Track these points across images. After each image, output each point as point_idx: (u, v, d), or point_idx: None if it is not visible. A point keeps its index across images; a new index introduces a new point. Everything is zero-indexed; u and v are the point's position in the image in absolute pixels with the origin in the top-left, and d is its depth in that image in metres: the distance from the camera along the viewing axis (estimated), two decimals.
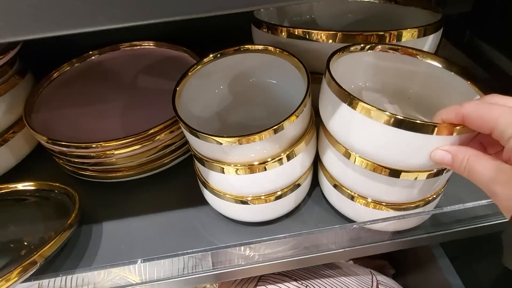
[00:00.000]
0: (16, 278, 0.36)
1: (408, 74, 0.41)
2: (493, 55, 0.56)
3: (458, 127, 0.30)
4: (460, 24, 0.60)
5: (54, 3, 0.18)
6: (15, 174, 0.52)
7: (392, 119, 0.31)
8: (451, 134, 0.31)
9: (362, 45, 0.39)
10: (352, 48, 0.39)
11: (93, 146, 0.44)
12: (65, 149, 0.45)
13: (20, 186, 0.47)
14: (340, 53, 0.38)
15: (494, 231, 0.43)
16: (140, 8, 0.20)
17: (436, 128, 0.30)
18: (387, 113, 0.31)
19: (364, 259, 0.71)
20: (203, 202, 0.45)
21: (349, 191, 0.40)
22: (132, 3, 0.20)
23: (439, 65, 0.38)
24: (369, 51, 0.39)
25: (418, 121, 0.30)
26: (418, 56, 0.39)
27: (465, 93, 0.36)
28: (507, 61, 0.53)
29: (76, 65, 0.59)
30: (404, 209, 0.40)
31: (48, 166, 0.53)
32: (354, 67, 0.41)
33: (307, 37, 0.43)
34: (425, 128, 0.30)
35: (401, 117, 0.31)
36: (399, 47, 0.39)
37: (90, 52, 0.60)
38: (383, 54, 0.40)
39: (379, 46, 0.39)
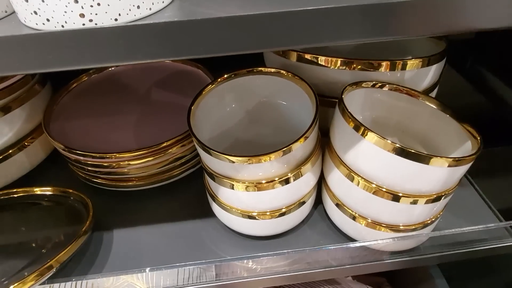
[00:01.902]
0: (32, 282, 0.38)
1: (410, 112, 0.45)
2: (493, 82, 0.58)
3: (450, 159, 0.33)
4: (463, 51, 0.63)
5: (104, 43, 0.21)
6: (29, 179, 0.54)
7: (396, 148, 0.34)
8: (444, 166, 0.33)
9: (373, 82, 0.42)
10: (363, 84, 0.42)
11: (107, 156, 0.47)
12: (80, 157, 0.48)
13: (38, 190, 0.50)
14: (353, 86, 0.41)
15: (490, 255, 0.45)
16: (168, 47, 0.23)
17: (431, 159, 0.33)
18: (392, 143, 0.34)
19: (363, 276, 0.73)
20: (211, 214, 0.47)
21: (350, 211, 0.43)
22: (161, 44, 0.22)
23: (436, 107, 0.41)
24: (378, 88, 0.42)
25: (416, 152, 0.34)
26: (419, 98, 0.42)
27: (456, 133, 0.40)
28: (506, 88, 0.56)
29: (93, 76, 0.62)
30: (403, 231, 0.42)
31: (61, 172, 0.56)
32: (363, 99, 0.44)
33: (316, 61, 0.45)
34: (422, 159, 0.34)
35: (404, 147, 0.34)
36: (404, 88, 0.42)
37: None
38: (390, 93, 0.43)
39: (387, 85, 0.42)
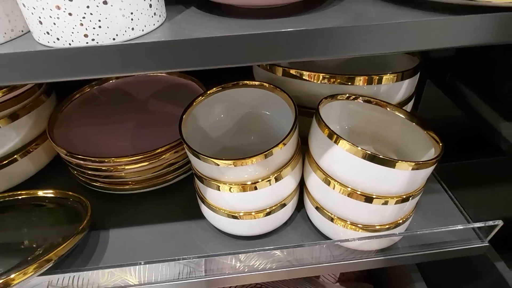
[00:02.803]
0: (32, 273, 0.42)
1: (383, 122, 0.49)
2: (470, 96, 0.63)
3: (413, 163, 0.37)
4: (443, 67, 0.68)
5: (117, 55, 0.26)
6: (33, 182, 0.59)
7: (365, 154, 0.38)
8: (408, 169, 0.38)
9: (347, 95, 0.47)
10: (339, 97, 0.47)
11: (105, 160, 0.51)
12: (81, 161, 0.52)
13: (41, 192, 0.54)
14: (329, 99, 0.46)
15: (461, 256, 0.49)
16: (156, 62, 0.28)
17: (396, 163, 0.37)
18: (361, 149, 0.38)
19: (350, 282, 0.76)
20: (201, 216, 0.51)
21: (329, 213, 0.47)
22: (151, 59, 0.27)
23: (403, 116, 0.46)
24: (353, 100, 0.47)
25: (383, 157, 0.38)
26: (388, 108, 0.47)
27: (422, 140, 0.45)
28: (481, 103, 0.60)
29: (95, 87, 0.67)
30: (378, 231, 0.46)
31: (62, 176, 0.60)
32: (340, 111, 0.49)
33: (300, 76, 0.50)
34: (389, 163, 0.38)
35: (372, 153, 0.38)
36: (374, 99, 0.47)
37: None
38: (363, 104, 0.48)
39: (360, 98, 0.47)
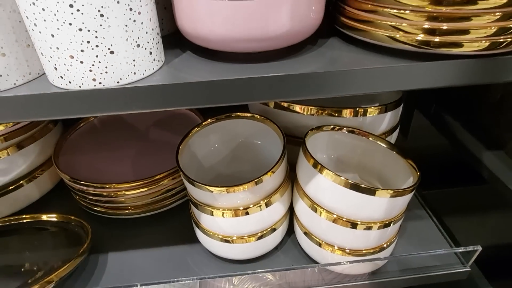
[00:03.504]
0: None
1: (367, 151, 0.53)
2: (454, 126, 0.67)
3: (391, 191, 0.41)
4: (429, 98, 0.72)
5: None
6: (36, 206, 0.62)
7: (347, 183, 0.42)
8: (387, 196, 0.41)
9: (332, 126, 0.51)
10: (324, 128, 0.51)
11: (107, 186, 0.55)
12: (84, 187, 0.56)
13: (44, 216, 0.58)
14: (315, 130, 0.50)
15: (445, 281, 0.52)
16: (154, 102, 0.32)
17: (376, 191, 0.41)
18: (343, 178, 0.42)
19: None
20: (196, 240, 0.55)
21: (317, 239, 0.50)
22: (150, 100, 0.32)
23: (385, 146, 0.50)
24: (338, 131, 0.51)
25: (364, 186, 0.42)
26: (370, 138, 0.51)
27: (402, 168, 0.49)
28: (465, 132, 0.64)
29: (99, 116, 0.72)
30: (364, 255, 0.49)
31: (65, 201, 0.64)
32: (326, 141, 0.53)
33: (290, 108, 0.55)
34: (369, 191, 0.42)
35: (353, 182, 0.42)
36: (358, 130, 0.52)
37: None
38: (347, 134, 0.52)
39: (344, 128, 0.51)
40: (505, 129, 0.59)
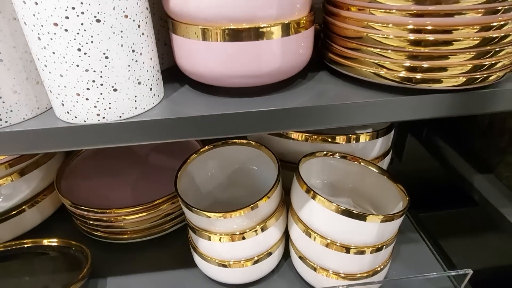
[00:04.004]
0: None
1: (359, 176, 0.55)
2: (445, 150, 0.69)
3: (381, 216, 0.43)
4: (420, 122, 0.75)
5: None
6: (37, 230, 0.64)
7: (339, 209, 0.44)
8: (377, 221, 0.43)
9: (325, 152, 0.54)
10: (317, 154, 0.53)
11: (107, 211, 0.57)
12: (84, 212, 0.58)
13: (45, 241, 0.59)
14: (308, 156, 0.53)
15: None
16: (154, 134, 0.35)
17: (367, 217, 0.43)
18: (335, 204, 0.44)
19: None
20: (193, 265, 0.56)
21: (312, 263, 0.51)
22: (150, 132, 0.34)
23: (376, 171, 0.52)
24: (330, 156, 0.54)
25: (354, 211, 0.44)
26: (361, 163, 0.53)
27: (393, 193, 0.51)
28: (456, 156, 0.67)
29: None
30: (358, 278, 0.50)
31: (66, 225, 0.66)
32: (320, 166, 0.55)
33: (285, 135, 0.57)
34: (360, 216, 0.43)
35: (344, 208, 0.44)
36: (349, 155, 0.54)
37: None
38: (339, 159, 0.55)
39: (336, 154, 0.54)
40: (494, 153, 0.61)
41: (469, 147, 0.66)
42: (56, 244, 0.59)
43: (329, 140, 0.55)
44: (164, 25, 0.43)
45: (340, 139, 0.55)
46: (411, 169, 0.79)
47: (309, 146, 0.56)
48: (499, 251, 0.58)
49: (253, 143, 0.55)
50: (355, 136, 0.56)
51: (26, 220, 0.63)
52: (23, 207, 0.61)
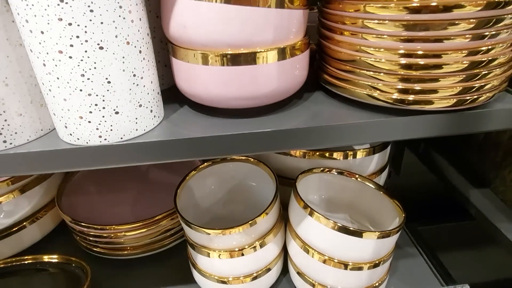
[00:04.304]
0: None
1: (356, 191, 0.56)
2: (442, 164, 0.70)
3: (377, 233, 0.44)
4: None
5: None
6: (37, 246, 0.64)
7: (336, 226, 0.45)
8: (374, 238, 0.44)
9: (321, 168, 0.55)
10: (314, 170, 0.54)
11: (107, 228, 0.58)
12: (84, 229, 0.59)
13: (46, 258, 0.60)
14: (306, 173, 0.54)
15: None
16: (154, 155, 0.36)
17: (363, 234, 0.44)
18: (331, 221, 0.45)
19: None
20: (192, 281, 0.56)
21: (310, 279, 0.52)
22: (150, 153, 0.35)
23: (372, 186, 0.53)
24: (327, 172, 0.55)
25: (352, 228, 0.44)
26: (358, 179, 0.54)
27: (389, 208, 0.52)
28: (452, 170, 0.68)
29: None
30: None
31: (65, 241, 0.66)
32: (317, 182, 0.56)
33: (283, 151, 0.58)
34: (357, 233, 0.44)
35: (340, 225, 0.45)
36: (346, 171, 0.55)
37: None
38: (336, 175, 0.56)
39: (333, 170, 0.55)
40: (490, 168, 0.62)
41: (465, 161, 0.68)
42: (56, 260, 0.60)
43: (327, 156, 0.56)
44: (164, 47, 0.45)
45: (337, 155, 0.57)
46: (409, 183, 0.80)
47: (307, 162, 0.57)
48: (497, 265, 0.59)
49: (252, 159, 0.56)
50: (352, 152, 0.57)
51: (27, 237, 0.63)
52: (24, 223, 0.62)
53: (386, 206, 0.52)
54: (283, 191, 0.55)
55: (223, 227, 0.47)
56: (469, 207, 0.61)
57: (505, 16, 0.33)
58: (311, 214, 0.47)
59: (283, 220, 0.54)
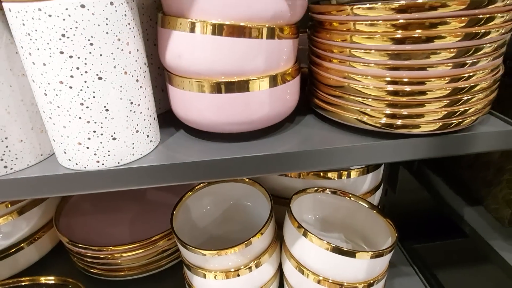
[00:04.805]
0: None
1: (350, 211, 0.58)
2: (436, 182, 0.71)
3: (370, 253, 0.45)
4: None
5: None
6: (34, 267, 0.65)
7: (329, 247, 0.46)
8: (367, 258, 0.45)
9: (315, 188, 0.56)
10: (308, 190, 0.56)
11: (104, 249, 0.58)
12: (81, 250, 0.59)
13: (43, 279, 0.60)
14: (300, 193, 0.55)
15: None
16: (150, 179, 0.37)
17: (356, 254, 0.45)
18: (325, 241, 0.46)
19: None
20: None
21: None
22: (146, 177, 0.37)
23: (365, 205, 0.54)
24: (320, 192, 0.56)
25: (344, 248, 0.45)
26: (351, 198, 0.55)
27: (382, 227, 0.53)
28: (446, 188, 0.69)
29: None
30: None
31: (63, 262, 0.67)
32: (312, 202, 0.58)
33: None
34: (350, 254, 0.45)
35: (334, 245, 0.46)
36: (339, 191, 0.56)
37: None
38: (330, 195, 0.57)
39: (327, 190, 0.56)
40: (482, 185, 0.64)
41: (458, 179, 0.69)
42: (53, 281, 0.60)
43: (321, 175, 0.58)
44: (161, 73, 0.47)
45: (331, 175, 0.58)
46: (405, 200, 0.81)
47: (302, 182, 0.59)
48: (493, 283, 0.59)
49: (247, 180, 0.57)
50: (346, 172, 0.58)
51: (24, 258, 0.64)
52: (22, 244, 0.63)
53: (379, 225, 0.53)
54: (279, 210, 0.57)
55: (219, 248, 0.48)
56: (463, 225, 0.62)
57: (484, 45, 0.34)
58: (305, 234, 0.48)
59: (279, 240, 0.55)
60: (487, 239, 0.58)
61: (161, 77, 0.47)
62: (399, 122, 0.38)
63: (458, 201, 0.66)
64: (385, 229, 0.52)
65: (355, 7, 0.34)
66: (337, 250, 0.46)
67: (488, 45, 0.35)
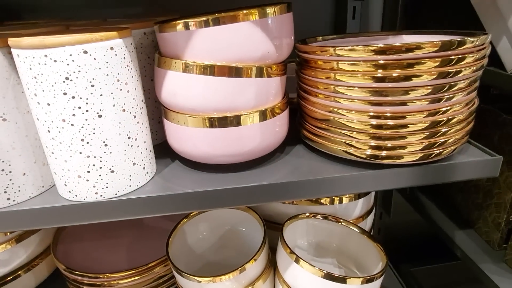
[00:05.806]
0: None
1: (343, 236, 0.59)
2: (427, 204, 0.73)
3: (361, 278, 0.46)
4: None
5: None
6: None
7: (320, 272, 0.48)
8: (358, 284, 0.47)
9: (307, 214, 0.58)
10: (300, 216, 0.58)
11: (100, 276, 0.60)
12: (78, 277, 0.61)
13: None
14: (292, 219, 0.57)
15: None
16: (147, 209, 0.39)
17: (347, 280, 0.47)
18: (317, 268, 0.48)
19: None
20: None
21: None
22: (143, 208, 0.39)
23: (357, 230, 0.56)
24: (312, 218, 0.58)
25: (335, 274, 0.47)
26: (343, 223, 0.57)
27: (373, 252, 0.55)
28: (438, 212, 0.71)
29: None
30: None
31: None
32: (305, 227, 0.60)
33: None
34: (341, 280, 0.47)
35: (325, 272, 0.48)
36: (331, 216, 0.58)
37: None
38: (322, 220, 0.59)
39: (319, 215, 0.58)
40: (473, 209, 0.66)
41: (449, 202, 0.71)
42: None
43: (314, 200, 0.60)
44: (158, 106, 0.50)
45: (324, 200, 0.60)
46: (400, 223, 0.83)
47: (295, 208, 0.61)
48: None
49: (241, 206, 0.59)
50: (338, 198, 0.60)
51: (21, 285, 0.65)
52: (19, 272, 0.64)
53: (370, 250, 0.55)
54: (274, 236, 0.58)
55: (214, 275, 0.50)
56: (455, 248, 0.64)
57: (458, 82, 0.38)
58: (296, 261, 0.49)
59: (272, 265, 0.57)
60: (478, 263, 0.59)
61: (158, 110, 0.50)
62: (384, 153, 0.40)
63: (449, 224, 0.68)
64: (376, 254, 0.54)
65: (337, 48, 0.38)
66: (328, 276, 0.47)
67: (462, 81, 0.38)
